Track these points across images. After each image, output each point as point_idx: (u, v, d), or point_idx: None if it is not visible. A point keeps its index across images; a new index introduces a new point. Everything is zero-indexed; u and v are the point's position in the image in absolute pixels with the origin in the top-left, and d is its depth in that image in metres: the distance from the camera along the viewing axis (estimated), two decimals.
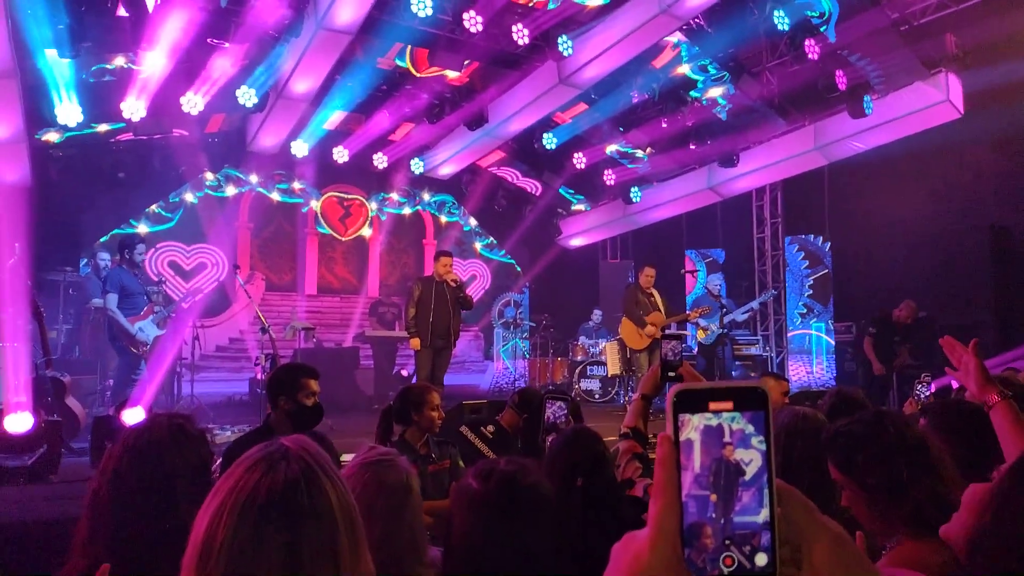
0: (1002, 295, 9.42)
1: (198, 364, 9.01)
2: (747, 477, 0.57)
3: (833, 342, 11.83)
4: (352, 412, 9.05)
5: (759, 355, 11.41)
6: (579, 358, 11.29)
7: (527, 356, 12.56)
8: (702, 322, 10.15)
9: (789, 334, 12.56)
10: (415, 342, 7.38)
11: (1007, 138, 9.49)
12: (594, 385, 10.83)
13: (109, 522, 1.50)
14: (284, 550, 0.96)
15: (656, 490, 0.58)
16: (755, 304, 11.05)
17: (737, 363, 11.01)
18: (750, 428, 0.57)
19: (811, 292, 12.40)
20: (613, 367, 10.34)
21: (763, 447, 0.57)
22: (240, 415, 8.30)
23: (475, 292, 14.43)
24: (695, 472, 0.57)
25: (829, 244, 12.23)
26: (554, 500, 1.65)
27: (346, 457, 5.70)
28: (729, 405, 0.58)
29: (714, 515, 0.57)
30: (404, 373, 10.90)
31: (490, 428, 4.21)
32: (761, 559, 0.56)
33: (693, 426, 0.58)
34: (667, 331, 8.78)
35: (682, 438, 0.57)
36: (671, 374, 2.61)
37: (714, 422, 0.57)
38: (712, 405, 0.58)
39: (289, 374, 3.51)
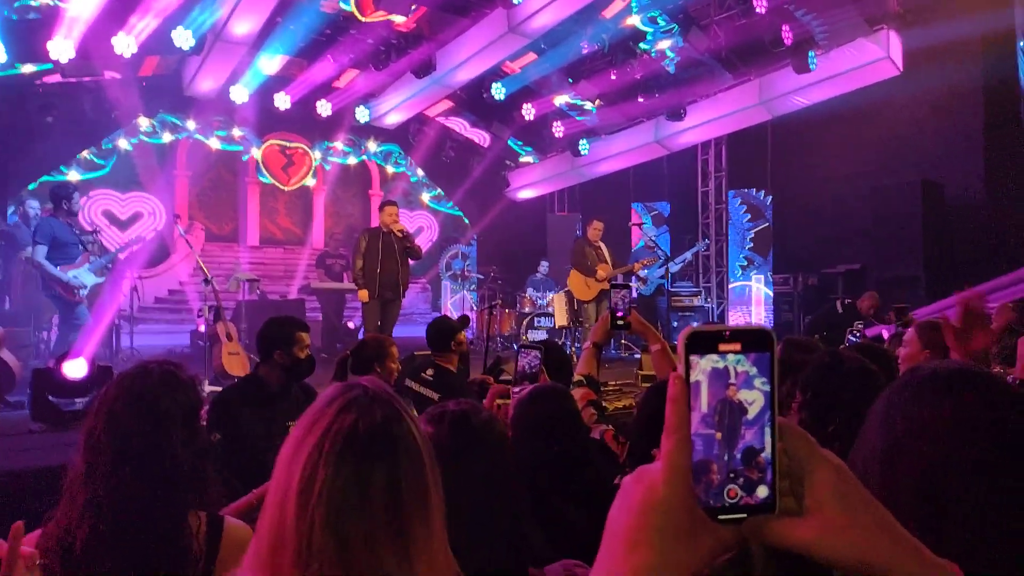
0: (933, 248, 9.83)
1: (137, 316, 8.79)
2: (750, 416, 0.60)
3: (772, 293, 12.18)
4: None
5: (701, 306, 11.68)
6: (527, 310, 11.37)
7: (475, 308, 12.60)
8: (642, 273, 10.34)
9: (730, 285, 12.87)
10: (363, 294, 7.30)
11: (943, 96, 9.79)
12: (541, 335, 10.95)
13: (107, 460, 1.56)
14: (387, 486, 0.98)
15: (668, 427, 0.60)
16: (688, 255, 11.31)
17: (677, 313, 11.26)
18: (754, 370, 0.60)
19: (752, 245, 12.68)
20: (561, 318, 10.46)
21: (766, 388, 0.60)
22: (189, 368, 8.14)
23: (423, 244, 14.25)
24: (702, 412, 0.60)
25: (771, 198, 12.50)
26: (509, 439, 1.67)
27: None
28: (737, 347, 0.60)
29: (719, 452, 0.60)
30: (351, 325, 10.82)
31: (429, 372, 4.25)
32: (762, 491, 0.60)
33: (700, 369, 0.60)
34: (614, 282, 8.93)
35: (691, 380, 0.60)
36: (620, 322, 2.68)
37: (720, 364, 0.60)
38: (721, 347, 0.60)
39: (284, 328, 3.52)
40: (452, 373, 4.36)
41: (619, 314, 2.72)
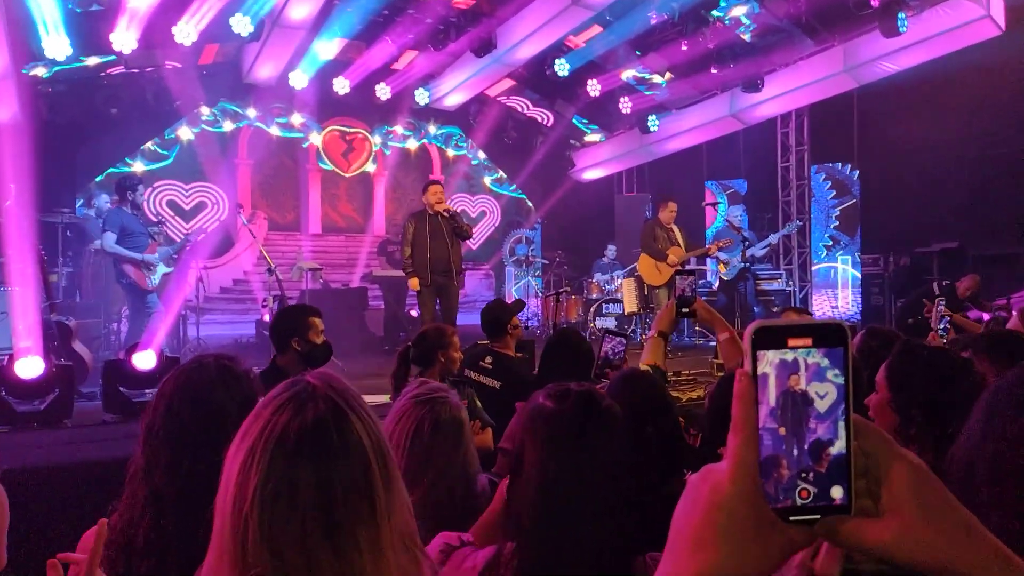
0: None
1: (203, 306, 9.12)
2: (822, 410, 0.59)
3: (860, 275, 11.81)
4: (362, 354, 9.17)
5: (782, 289, 11.41)
6: (594, 296, 11.33)
7: (540, 294, 12.62)
8: (722, 256, 10.16)
9: (814, 267, 12.54)
10: (414, 282, 7.34)
11: None
12: (610, 323, 10.89)
13: (166, 454, 1.61)
14: (316, 489, 1.00)
15: (735, 425, 0.60)
16: (774, 238, 10.97)
17: (760, 299, 11.04)
18: (826, 361, 0.59)
19: (837, 223, 12.33)
20: (630, 304, 10.38)
21: (839, 380, 0.59)
22: (248, 358, 8.38)
23: (485, 229, 14.43)
24: (770, 406, 0.59)
25: (857, 172, 12.10)
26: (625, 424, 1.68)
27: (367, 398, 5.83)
28: (807, 342, 0.59)
29: (788, 448, 0.59)
30: (414, 314, 10.99)
31: (488, 360, 4.28)
32: (837, 491, 0.58)
33: (768, 360, 0.59)
34: (681, 268, 8.81)
35: (758, 372, 0.59)
36: (685, 310, 2.66)
37: (789, 356, 0.59)
38: (791, 342, 0.59)
39: (297, 315, 3.64)
40: (511, 358, 4.40)
41: (685, 300, 2.70)
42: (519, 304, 5.40)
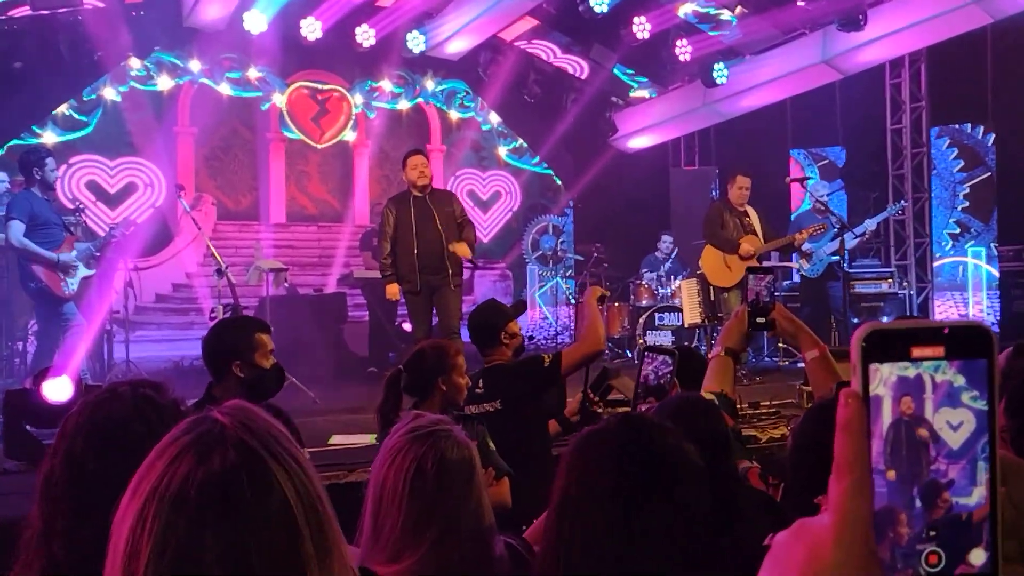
0: None
1: (133, 319, 9.21)
2: (955, 446, 0.58)
3: (997, 272, 11.69)
4: (340, 380, 9.20)
5: (892, 293, 11.34)
6: (644, 302, 11.31)
7: (572, 301, 12.63)
8: (807, 247, 10.11)
9: (935, 263, 12.43)
10: (392, 289, 7.41)
11: None
12: (665, 339, 10.87)
13: (67, 513, 1.58)
14: (225, 562, 0.99)
15: (839, 465, 0.59)
16: (871, 223, 10.80)
17: (859, 305, 10.96)
18: (960, 379, 0.58)
19: (966, 204, 12.22)
20: (691, 314, 10.35)
21: (980, 405, 0.58)
22: (193, 386, 8.47)
23: (499, 215, 14.46)
24: (884, 439, 0.58)
25: (992, 136, 11.98)
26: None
27: (336, 439, 5.84)
28: (939, 350, 0.58)
29: (910, 497, 0.58)
30: (408, 327, 10.99)
31: (479, 384, 4.28)
32: (977, 556, 0.58)
33: (882, 378, 0.58)
34: (755, 265, 8.75)
35: (870, 393, 0.59)
36: (760, 320, 2.64)
37: (911, 372, 0.58)
38: (916, 351, 0.58)
39: (240, 332, 3.66)
40: (507, 366, 4.44)
41: (760, 306, 2.69)
42: (519, 306, 5.44)
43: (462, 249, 7.27)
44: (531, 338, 12.82)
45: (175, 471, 1.03)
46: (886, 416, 0.58)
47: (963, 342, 0.58)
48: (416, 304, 7.41)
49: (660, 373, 2.81)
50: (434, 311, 7.52)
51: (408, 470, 1.95)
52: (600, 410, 5.02)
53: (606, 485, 1.51)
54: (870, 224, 10.66)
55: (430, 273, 7.31)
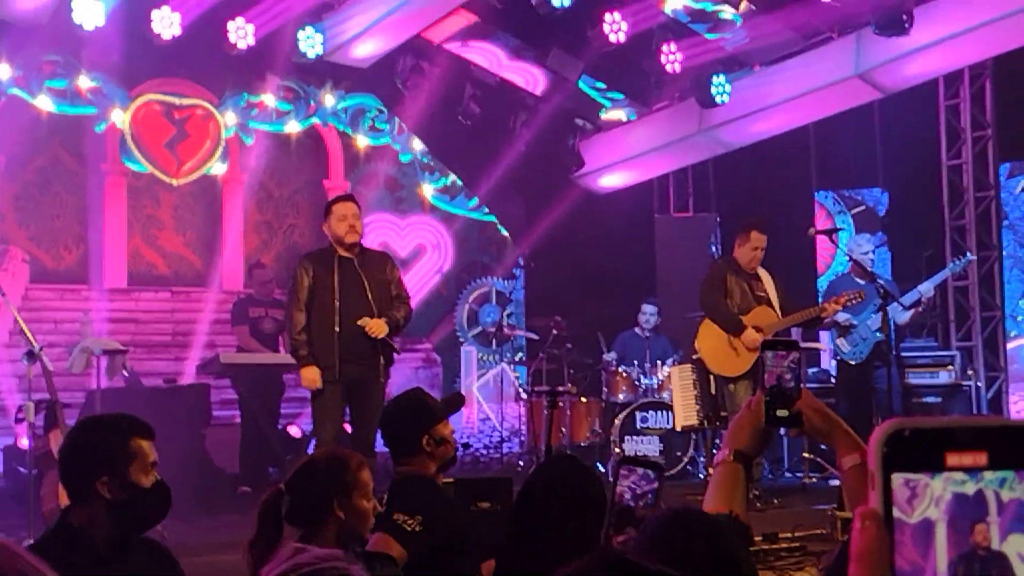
0: None
1: None
2: None
3: None
4: (201, 506, 9.04)
5: (954, 384, 11.46)
6: (621, 396, 11.31)
7: (525, 395, 12.60)
8: (843, 317, 10.18)
9: (1010, 344, 12.60)
10: (309, 372, 7.38)
11: None
12: (650, 446, 10.88)
13: None
14: None
15: None
16: (929, 285, 10.92)
17: (912, 399, 11.07)
18: None
19: None
20: (685, 413, 10.36)
21: None
22: None
23: (425, 276, 14.47)
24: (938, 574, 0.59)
25: None
26: None
27: None
28: (981, 457, 0.60)
29: None
30: (295, 432, 10.86)
31: (407, 520, 4.26)
32: None
33: (932, 496, 0.60)
34: (773, 338, 8.78)
35: (914, 517, 0.59)
36: (781, 412, 2.61)
37: (971, 488, 0.59)
38: (950, 457, 0.60)
39: (109, 436, 3.59)
40: (430, 483, 4.48)
41: (782, 392, 2.67)
42: (455, 401, 5.42)
43: (376, 326, 7.30)
44: (467, 446, 12.75)
45: None
46: (941, 548, 0.59)
47: (1013, 446, 0.60)
48: (328, 399, 7.37)
49: (642, 492, 2.80)
50: (347, 412, 7.51)
51: None
52: None
53: None
54: (927, 288, 10.59)
55: (354, 360, 7.35)
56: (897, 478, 0.59)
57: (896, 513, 0.60)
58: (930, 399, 11.09)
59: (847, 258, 10.75)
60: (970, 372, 12.30)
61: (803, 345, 11.04)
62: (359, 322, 7.26)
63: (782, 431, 2.66)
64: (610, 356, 11.65)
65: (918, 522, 0.59)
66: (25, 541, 6.01)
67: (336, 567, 2.02)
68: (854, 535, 0.60)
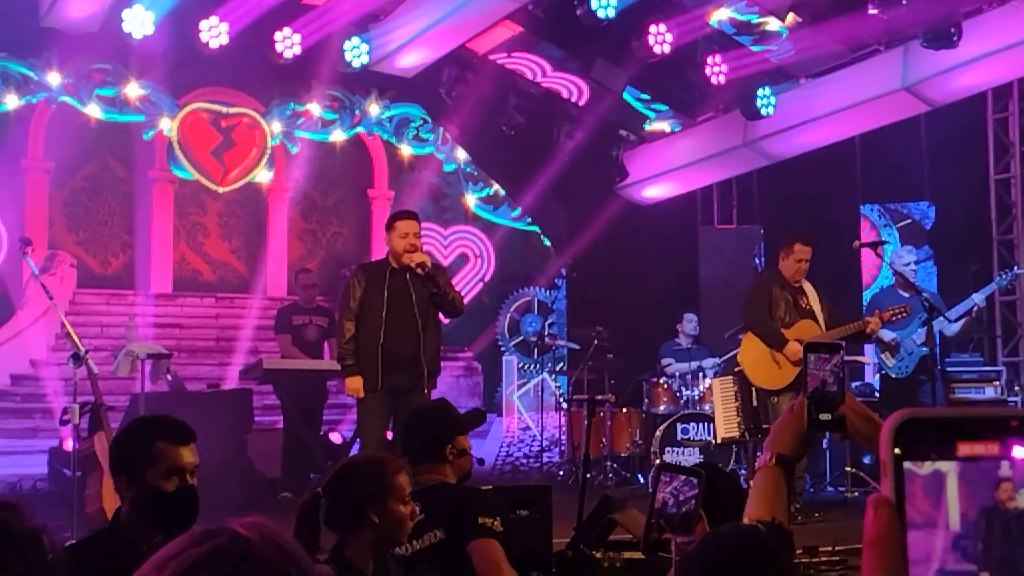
0: None
1: None
2: None
3: None
4: (242, 510, 9.05)
5: (1000, 399, 11.36)
6: (662, 408, 11.29)
7: (564, 404, 12.58)
8: (888, 335, 10.11)
9: None
10: (354, 382, 7.46)
11: None
12: (690, 458, 10.83)
13: None
14: None
15: None
16: (978, 298, 10.82)
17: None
18: None
19: None
20: (726, 425, 10.31)
21: None
22: (35, 514, 8.34)
23: (467, 287, 14.48)
24: (951, 532, 0.60)
25: None
26: None
27: None
28: (993, 447, 0.61)
29: None
30: (337, 439, 10.90)
31: (492, 521, 4.31)
32: None
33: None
34: (817, 342, 8.68)
35: (925, 468, 0.61)
36: (824, 416, 2.58)
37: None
38: (963, 447, 0.61)
39: (134, 436, 3.64)
40: (451, 488, 4.51)
41: (825, 396, 2.64)
42: (476, 416, 5.47)
43: (420, 256, 7.40)
44: (481, 462, 12.68)
45: None
46: (952, 500, 0.60)
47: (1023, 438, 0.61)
48: (371, 407, 7.44)
49: (683, 498, 2.78)
50: (391, 422, 7.54)
51: None
52: (599, 555, 4.96)
53: None
54: (978, 299, 10.47)
55: (398, 371, 7.42)
56: (908, 465, 0.60)
57: (907, 465, 0.61)
58: None
59: (891, 270, 10.70)
60: (1016, 388, 12.20)
61: (847, 359, 10.94)
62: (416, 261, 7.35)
63: (826, 436, 2.64)
64: (667, 361, 11.65)
65: (929, 473, 0.60)
66: (68, 543, 6.08)
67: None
68: (867, 522, 0.60)
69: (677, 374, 11.55)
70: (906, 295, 10.04)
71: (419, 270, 7.39)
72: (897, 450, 0.61)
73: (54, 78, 12.27)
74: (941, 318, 9.97)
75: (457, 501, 4.39)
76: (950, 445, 0.59)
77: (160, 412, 8.96)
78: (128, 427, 3.77)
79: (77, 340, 7.77)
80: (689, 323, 11.95)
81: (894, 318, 9.50)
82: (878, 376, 10.97)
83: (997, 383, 11.37)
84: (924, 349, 9.91)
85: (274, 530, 1.11)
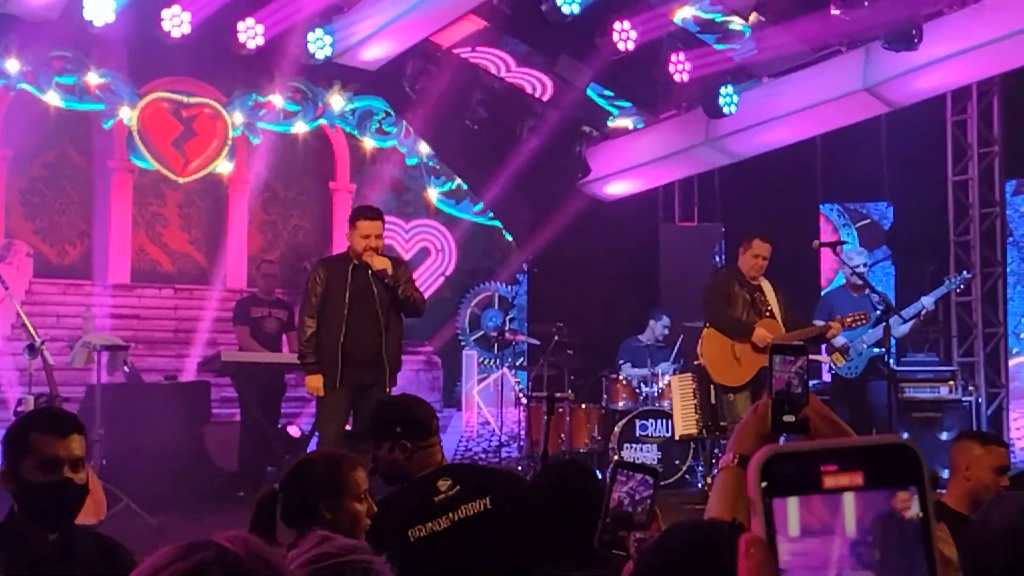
0: None
1: None
2: None
3: None
4: (198, 504, 9.05)
5: (954, 400, 11.43)
6: (621, 404, 11.31)
7: (523, 400, 12.59)
8: (840, 341, 10.14)
9: (1012, 361, 12.57)
10: (314, 380, 7.46)
11: None
12: (649, 454, 10.87)
13: None
14: None
15: None
16: (929, 299, 10.87)
17: (911, 416, 11.04)
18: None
19: None
20: (685, 421, 10.36)
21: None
22: None
23: (428, 281, 14.46)
24: (848, 538, 0.61)
25: None
26: None
27: None
28: (857, 477, 0.62)
29: None
30: (295, 432, 10.85)
31: (445, 483, 4.26)
32: None
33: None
34: (781, 343, 8.71)
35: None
36: (788, 417, 2.59)
37: None
38: (828, 479, 0.62)
39: (12, 429, 3.60)
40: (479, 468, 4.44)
41: (789, 397, 2.64)
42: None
43: (380, 261, 7.35)
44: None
45: None
46: (849, 507, 0.60)
47: (884, 465, 0.62)
48: (330, 402, 7.44)
49: (638, 497, 2.79)
50: (351, 417, 7.55)
51: None
52: None
53: None
54: (927, 301, 10.42)
55: (359, 367, 7.42)
56: (777, 501, 0.61)
57: None
58: (928, 414, 11.06)
59: (845, 271, 10.73)
60: (971, 388, 12.29)
61: (796, 344, 10.95)
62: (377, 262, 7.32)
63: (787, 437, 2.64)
64: (626, 366, 11.68)
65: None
66: None
67: (361, 559, 2.02)
68: (740, 562, 0.61)
69: (639, 368, 11.58)
70: (856, 296, 10.11)
71: (381, 269, 7.37)
72: (764, 483, 0.62)
73: (13, 65, 12.15)
74: (895, 317, 10.01)
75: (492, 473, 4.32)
76: (816, 478, 0.60)
77: (116, 404, 8.93)
78: (13, 422, 3.73)
79: (33, 330, 7.72)
80: (661, 325, 11.94)
81: (854, 324, 9.54)
82: (828, 374, 11.03)
83: (951, 383, 11.44)
84: (874, 350, 9.96)
85: (260, 544, 1.12)
